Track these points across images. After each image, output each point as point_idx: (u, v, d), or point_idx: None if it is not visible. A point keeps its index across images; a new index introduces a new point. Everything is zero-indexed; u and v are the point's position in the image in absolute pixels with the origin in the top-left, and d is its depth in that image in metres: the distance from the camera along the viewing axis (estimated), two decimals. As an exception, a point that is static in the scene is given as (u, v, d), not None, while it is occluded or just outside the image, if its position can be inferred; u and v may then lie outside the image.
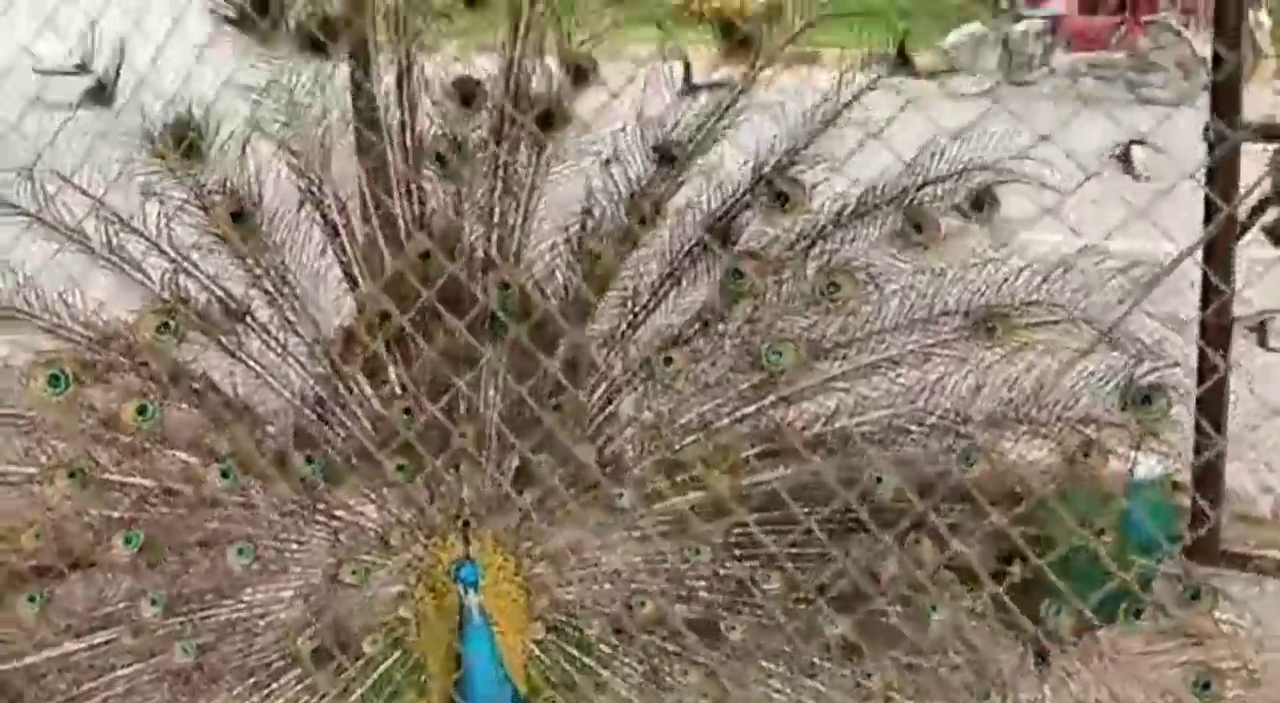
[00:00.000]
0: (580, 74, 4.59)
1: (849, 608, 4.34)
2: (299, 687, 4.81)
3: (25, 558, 4.46)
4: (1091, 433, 4.48)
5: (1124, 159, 3.91)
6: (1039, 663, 5.29)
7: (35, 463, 4.53)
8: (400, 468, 4.71)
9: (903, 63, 4.19)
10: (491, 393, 4.71)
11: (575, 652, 4.87)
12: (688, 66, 4.44)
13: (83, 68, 4.24)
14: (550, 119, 4.56)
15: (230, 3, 4.46)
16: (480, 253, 4.57)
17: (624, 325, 4.71)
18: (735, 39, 4.39)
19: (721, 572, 4.79)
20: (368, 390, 4.72)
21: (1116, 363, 4.39)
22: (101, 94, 4.35)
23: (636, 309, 4.68)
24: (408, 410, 4.63)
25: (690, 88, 4.48)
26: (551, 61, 4.54)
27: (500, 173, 4.54)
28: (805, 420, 4.73)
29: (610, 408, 4.77)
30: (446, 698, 4.62)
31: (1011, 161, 4.19)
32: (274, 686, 4.80)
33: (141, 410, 4.54)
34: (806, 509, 4.36)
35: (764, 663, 4.81)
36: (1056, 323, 4.44)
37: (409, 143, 4.57)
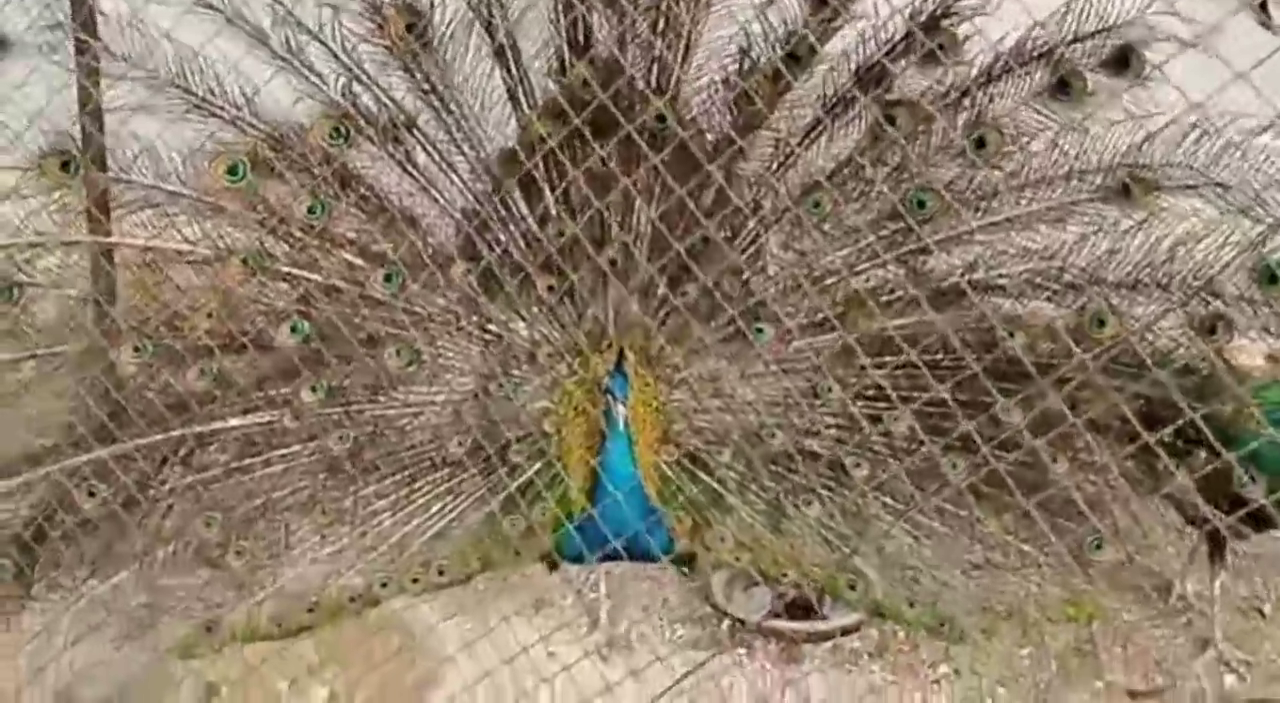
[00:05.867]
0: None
1: (972, 454, 4.45)
2: (445, 486, 5.12)
3: (200, 335, 4.72)
4: (1219, 307, 4.45)
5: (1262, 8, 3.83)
6: (1214, 555, 5.37)
7: (212, 245, 4.78)
8: (550, 288, 4.95)
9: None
10: (642, 220, 4.88)
11: (705, 476, 5.10)
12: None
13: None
14: None
15: None
16: (641, 83, 4.66)
17: (775, 165, 4.81)
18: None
19: (851, 411, 4.94)
20: (524, 209, 4.93)
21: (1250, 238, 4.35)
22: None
23: (788, 151, 4.78)
24: (561, 233, 4.83)
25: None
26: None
27: (662, 7, 4.61)
28: (945, 271, 4.80)
29: (756, 245, 4.91)
30: (583, 505, 4.88)
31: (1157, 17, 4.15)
32: (420, 483, 5.12)
33: (312, 209, 4.79)
34: (937, 355, 4.53)
35: (885, 500, 4.97)
36: (1193, 188, 4.43)
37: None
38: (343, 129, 4.72)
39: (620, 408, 4.72)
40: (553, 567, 5.31)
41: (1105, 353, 4.41)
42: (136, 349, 4.76)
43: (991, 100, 4.58)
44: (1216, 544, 5.33)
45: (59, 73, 4.55)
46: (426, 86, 4.73)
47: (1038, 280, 4.72)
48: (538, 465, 5.06)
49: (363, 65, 4.64)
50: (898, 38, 4.52)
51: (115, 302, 4.93)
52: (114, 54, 4.52)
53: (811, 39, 4.51)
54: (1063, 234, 4.67)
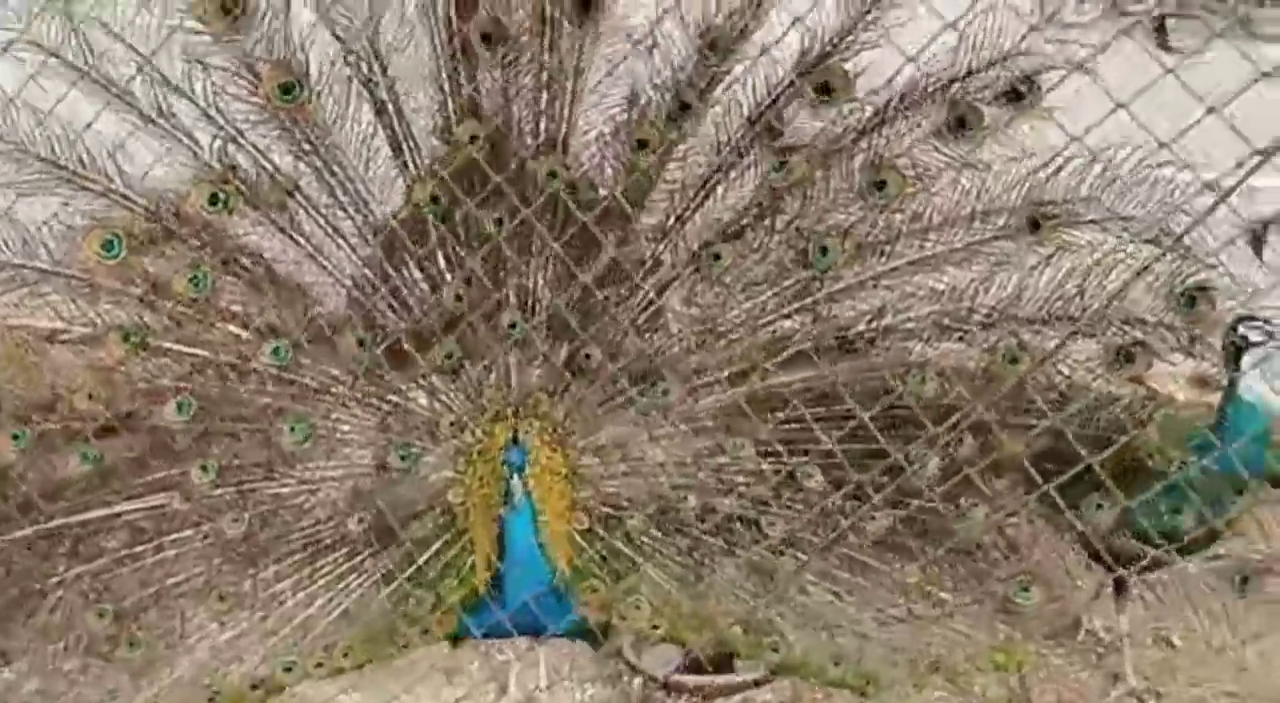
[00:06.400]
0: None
1: (889, 504, 4.36)
2: (346, 565, 4.92)
3: (79, 417, 4.52)
4: (1137, 334, 4.45)
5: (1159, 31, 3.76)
6: (1117, 592, 5.31)
7: (90, 324, 4.55)
8: (449, 356, 4.78)
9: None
10: (541, 283, 4.74)
11: (618, 543, 4.95)
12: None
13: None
14: (589, 4, 4.42)
15: None
16: (529, 140, 4.55)
17: (673, 219, 4.67)
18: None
19: (763, 467, 4.83)
20: (418, 275, 4.75)
21: (1164, 265, 4.32)
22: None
23: (685, 202, 4.65)
24: (459, 297, 4.67)
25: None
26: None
27: (545, 58, 4.46)
28: (852, 317, 4.71)
29: (659, 302, 4.76)
30: (488, 582, 4.74)
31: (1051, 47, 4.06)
32: (320, 563, 4.92)
33: (193, 280, 4.55)
34: (848, 407, 4.40)
35: (799, 556, 4.83)
36: (1097, 222, 4.38)
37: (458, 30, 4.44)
38: (221, 195, 4.49)
39: (517, 479, 4.57)
40: (454, 642, 5.13)
41: (1014, 391, 4.38)
42: (15, 437, 4.54)
43: (888, 141, 4.48)
44: (1121, 578, 5.24)
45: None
46: (307, 147, 4.52)
47: (946, 322, 4.64)
48: (441, 540, 4.89)
49: (238, 126, 4.43)
50: (786, 80, 4.41)
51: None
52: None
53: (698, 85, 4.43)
54: (969, 273, 4.57)
